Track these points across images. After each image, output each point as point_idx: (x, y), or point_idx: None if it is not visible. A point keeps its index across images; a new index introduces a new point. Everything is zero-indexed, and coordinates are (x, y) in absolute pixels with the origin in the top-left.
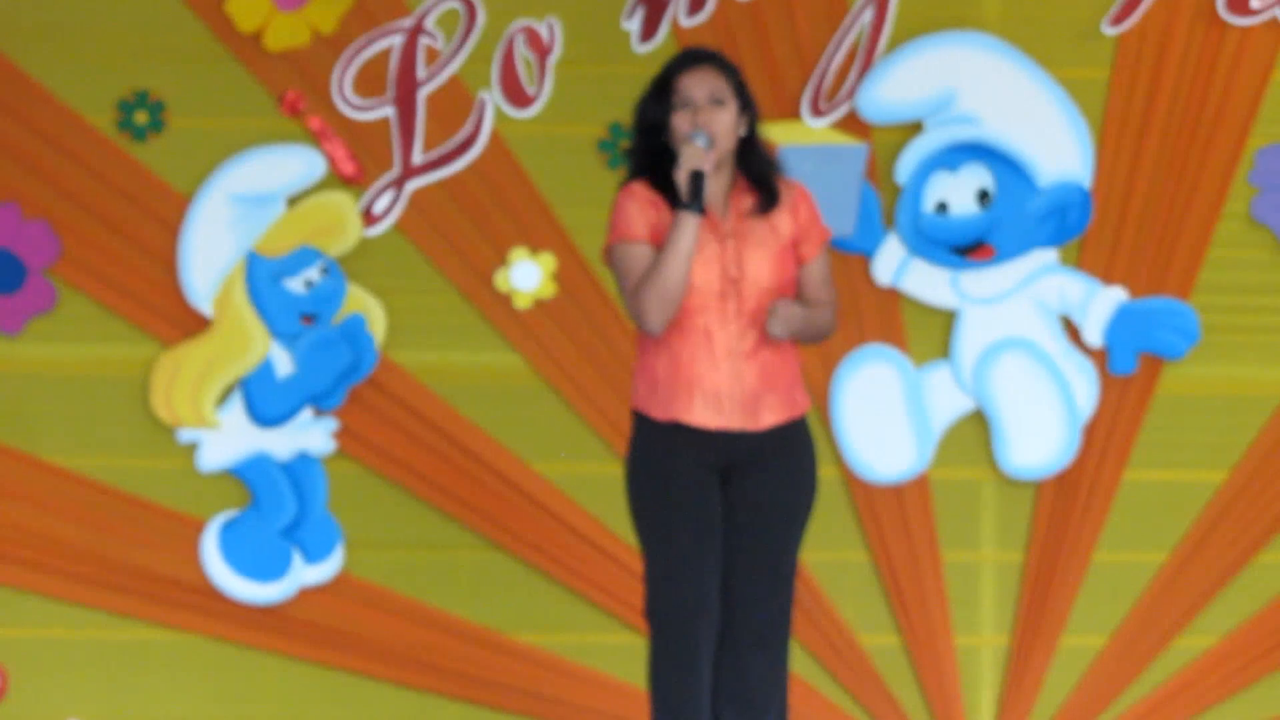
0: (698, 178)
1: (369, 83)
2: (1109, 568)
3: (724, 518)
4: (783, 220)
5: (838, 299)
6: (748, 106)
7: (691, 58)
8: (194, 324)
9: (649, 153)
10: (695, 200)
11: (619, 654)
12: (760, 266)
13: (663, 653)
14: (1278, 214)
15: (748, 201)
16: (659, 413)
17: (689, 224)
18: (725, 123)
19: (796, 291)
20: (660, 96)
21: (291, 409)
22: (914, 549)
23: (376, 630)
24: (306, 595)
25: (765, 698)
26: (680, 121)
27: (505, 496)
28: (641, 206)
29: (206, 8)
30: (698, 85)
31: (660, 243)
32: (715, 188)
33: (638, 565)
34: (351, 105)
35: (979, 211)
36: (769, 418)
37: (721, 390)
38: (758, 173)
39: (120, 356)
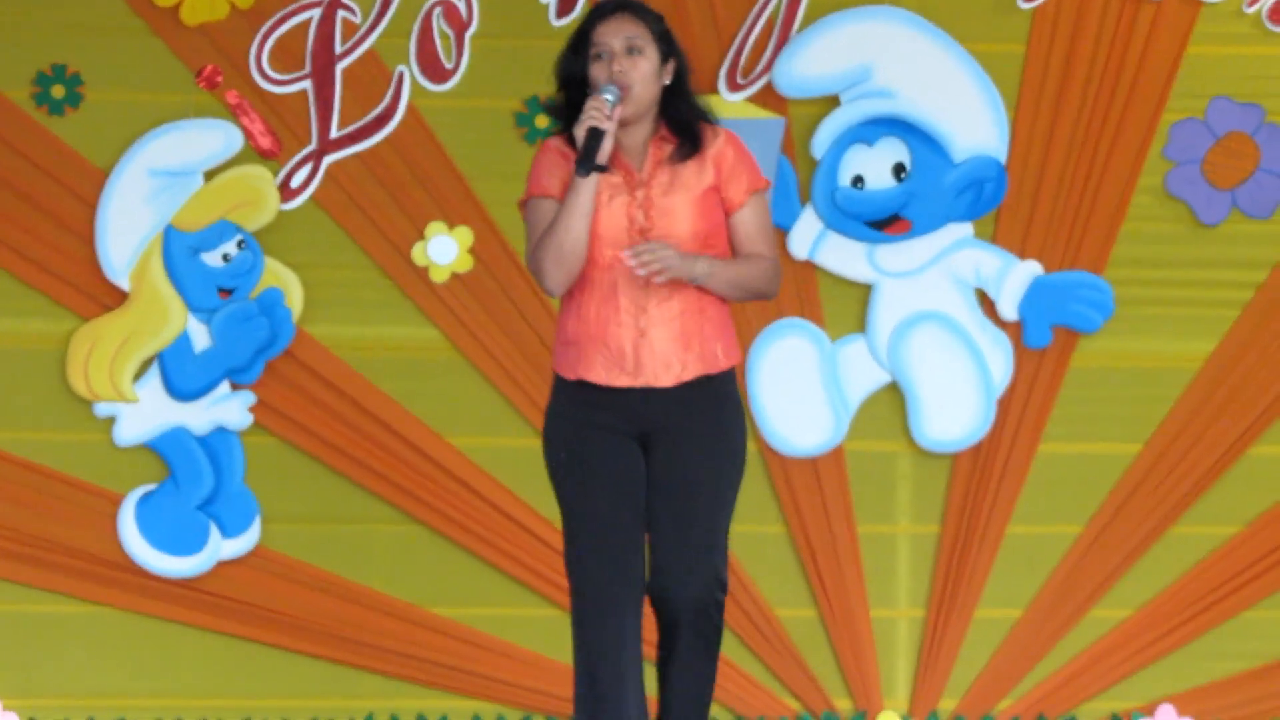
0: (594, 136)
1: (286, 56)
2: (1024, 540)
3: (647, 488)
4: (705, 166)
5: (779, 255)
6: (672, 54)
7: (609, 7)
8: (111, 298)
9: (571, 107)
10: (586, 160)
11: (536, 627)
12: (673, 217)
13: (581, 613)
14: (1192, 188)
15: (667, 149)
16: (568, 371)
17: (582, 184)
18: (643, 71)
19: (728, 243)
20: (578, 48)
21: (208, 383)
22: (830, 522)
23: (293, 604)
24: (224, 569)
25: (696, 673)
26: (597, 73)
27: (422, 470)
28: (555, 161)
29: None
30: (613, 33)
31: None
32: (634, 137)
33: (555, 539)
34: (269, 79)
35: (895, 185)
36: (678, 374)
37: (625, 347)
38: (682, 121)
39: (37, 330)
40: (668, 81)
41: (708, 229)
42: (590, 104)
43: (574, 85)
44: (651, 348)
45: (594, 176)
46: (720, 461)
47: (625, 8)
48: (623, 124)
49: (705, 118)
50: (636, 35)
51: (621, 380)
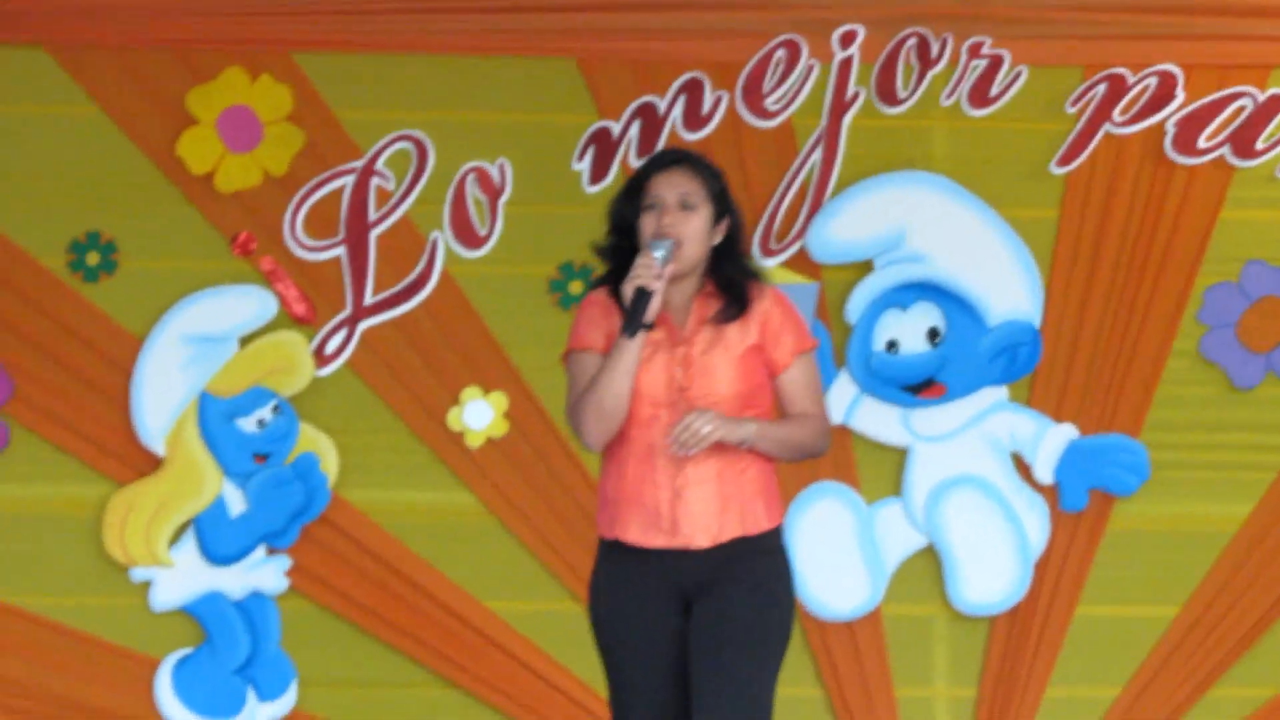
0: (642, 296)
1: (320, 223)
2: (1062, 703)
3: (690, 645)
4: (749, 326)
5: (827, 414)
6: (726, 213)
7: (669, 158)
8: (147, 463)
9: (619, 252)
10: (633, 321)
11: None
12: (713, 376)
13: None
14: (1227, 351)
15: (713, 307)
16: (606, 531)
17: (627, 343)
18: (694, 229)
19: (772, 402)
20: (632, 195)
21: (244, 547)
22: (867, 685)
23: None
24: None
25: None
26: (646, 224)
27: (458, 633)
28: (598, 315)
29: (158, 150)
30: (668, 186)
31: None
32: (680, 294)
33: (591, 702)
34: (303, 246)
35: (929, 350)
36: (715, 536)
37: (662, 508)
38: (729, 283)
39: (73, 496)
40: (718, 241)
41: (749, 389)
42: (640, 261)
43: (624, 231)
44: (688, 508)
45: (640, 335)
46: (761, 614)
47: (684, 161)
48: (670, 280)
49: (752, 276)
50: (691, 191)
51: (658, 541)
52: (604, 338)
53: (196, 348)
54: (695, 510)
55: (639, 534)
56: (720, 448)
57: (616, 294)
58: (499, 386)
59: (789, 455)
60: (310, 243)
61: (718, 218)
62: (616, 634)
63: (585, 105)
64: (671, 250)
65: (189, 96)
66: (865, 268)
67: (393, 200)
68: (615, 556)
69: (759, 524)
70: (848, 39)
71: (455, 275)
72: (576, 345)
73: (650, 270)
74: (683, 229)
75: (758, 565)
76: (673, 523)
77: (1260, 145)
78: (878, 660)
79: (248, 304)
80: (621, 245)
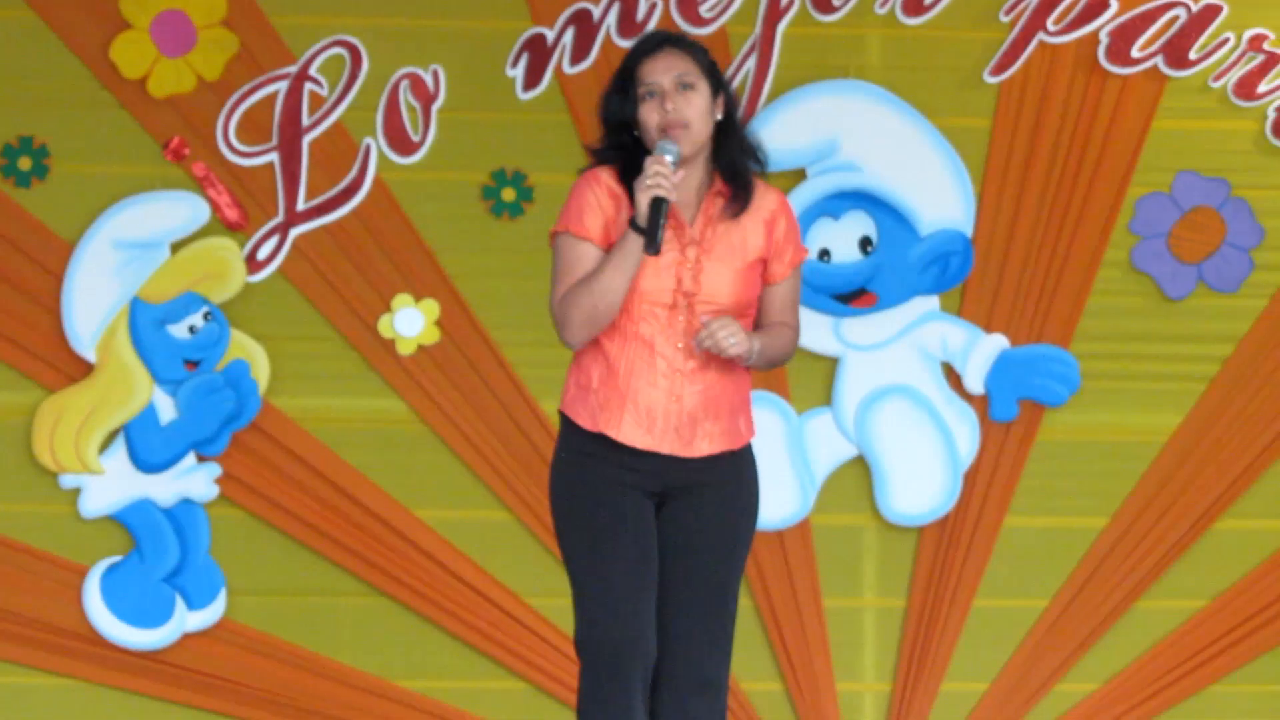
0: (658, 205)
1: (253, 129)
2: (990, 613)
3: (660, 546)
4: (755, 233)
5: (799, 324)
6: (722, 88)
7: (653, 42)
8: (77, 369)
9: (618, 149)
10: (654, 237)
11: (502, 700)
12: (719, 282)
13: (593, 688)
14: (1158, 262)
15: (719, 204)
16: (586, 421)
17: (636, 254)
18: (698, 107)
19: (757, 310)
20: (624, 89)
21: (174, 455)
22: (796, 595)
23: (259, 676)
24: (189, 641)
25: None
26: (648, 113)
27: (389, 542)
28: (599, 199)
29: (91, 53)
30: (662, 70)
31: (610, 244)
32: (688, 185)
33: (521, 611)
34: (236, 151)
35: (861, 259)
36: (704, 446)
37: (656, 409)
38: (734, 167)
39: (2, 402)
40: (720, 117)
41: (747, 300)
42: (654, 168)
43: (621, 128)
44: (682, 413)
45: (649, 250)
46: (739, 523)
47: (670, 42)
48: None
49: (758, 155)
50: (686, 71)
51: (644, 442)
52: (603, 227)
53: (128, 253)
54: (687, 417)
55: (628, 433)
56: (722, 359)
57: (621, 179)
58: (430, 294)
59: (765, 367)
60: (243, 148)
61: (714, 93)
62: (593, 534)
63: (519, 11)
64: (679, 154)
65: (122, 0)
66: (798, 176)
67: (326, 106)
68: (593, 449)
69: (740, 438)
70: None
71: (388, 181)
72: (574, 229)
73: (668, 179)
74: (687, 111)
75: (734, 477)
76: (664, 427)
77: (1193, 55)
78: (806, 570)
79: (180, 209)
80: (621, 142)
